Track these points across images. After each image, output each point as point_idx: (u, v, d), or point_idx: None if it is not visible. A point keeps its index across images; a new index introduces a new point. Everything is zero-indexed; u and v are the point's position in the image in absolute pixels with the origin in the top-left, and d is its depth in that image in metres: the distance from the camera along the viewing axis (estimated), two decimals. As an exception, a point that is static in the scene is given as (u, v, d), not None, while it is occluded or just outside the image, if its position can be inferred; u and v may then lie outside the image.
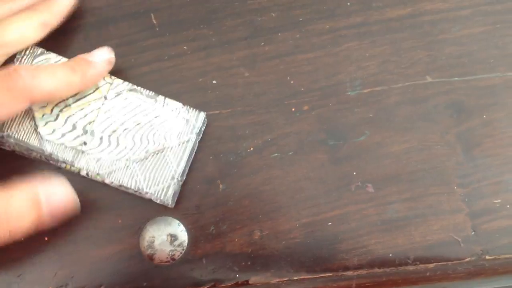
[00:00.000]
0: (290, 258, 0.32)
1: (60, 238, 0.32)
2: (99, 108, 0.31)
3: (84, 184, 0.32)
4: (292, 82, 0.34)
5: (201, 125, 0.32)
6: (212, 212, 0.32)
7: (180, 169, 0.31)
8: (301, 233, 0.32)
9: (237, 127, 0.33)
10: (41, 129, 0.31)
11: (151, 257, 0.31)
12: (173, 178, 0.31)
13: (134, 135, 0.31)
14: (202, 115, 0.32)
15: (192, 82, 0.34)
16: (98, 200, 0.32)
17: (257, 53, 0.34)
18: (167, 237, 0.32)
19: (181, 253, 0.32)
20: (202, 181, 0.33)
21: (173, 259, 0.32)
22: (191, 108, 0.32)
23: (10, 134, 0.30)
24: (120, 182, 0.31)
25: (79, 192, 0.32)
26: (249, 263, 0.32)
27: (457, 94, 0.34)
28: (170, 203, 0.31)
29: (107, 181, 0.31)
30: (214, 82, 0.34)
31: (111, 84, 0.32)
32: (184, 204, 0.32)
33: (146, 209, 0.32)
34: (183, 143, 0.31)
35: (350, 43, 0.34)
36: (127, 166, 0.31)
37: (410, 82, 0.34)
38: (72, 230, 0.32)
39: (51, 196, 0.27)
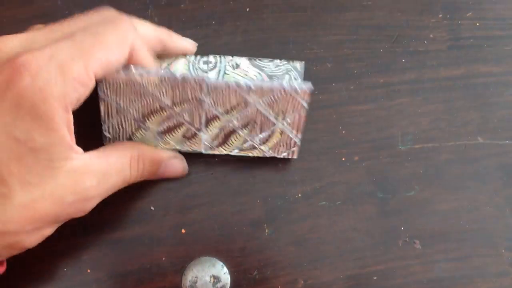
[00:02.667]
0: (332, 311, 0.31)
1: (102, 271, 0.31)
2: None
3: (133, 218, 0.32)
4: (343, 132, 0.34)
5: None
6: (256, 256, 0.32)
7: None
8: (345, 286, 0.32)
9: (286, 172, 0.33)
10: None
11: (192, 298, 0.31)
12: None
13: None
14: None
15: (245, 124, 0.34)
16: (144, 234, 0.32)
17: (311, 101, 0.34)
18: (210, 278, 0.31)
19: (222, 296, 0.31)
20: (248, 224, 0.32)
21: (214, 302, 0.31)
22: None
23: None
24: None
25: (124, 226, 0.32)
26: (290, 312, 0.31)
27: (508, 158, 0.34)
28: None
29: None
30: (267, 126, 0.34)
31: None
32: (228, 246, 0.32)
33: (191, 247, 0.32)
34: None
35: (403, 98, 0.35)
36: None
37: (461, 141, 0.34)
38: (115, 264, 0.31)
39: (169, 162, 0.32)
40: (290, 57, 0.35)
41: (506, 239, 0.33)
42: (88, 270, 0.31)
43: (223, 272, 0.31)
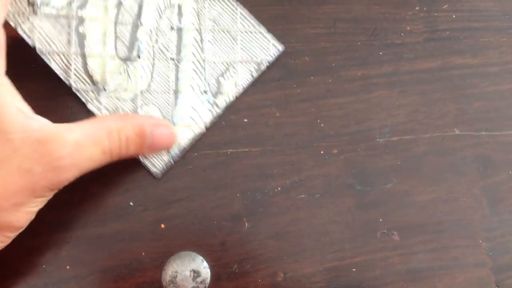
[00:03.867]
0: (312, 303, 0.32)
1: (81, 267, 0.31)
2: None
3: (112, 214, 0.32)
4: (322, 125, 0.34)
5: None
6: (236, 250, 0.32)
7: None
8: (325, 278, 0.32)
9: (265, 166, 0.33)
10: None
11: (172, 293, 0.31)
12: None
13: None
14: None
15: (223, 119, 0.34)
16: (124, 229, 0.32)
17: (289, 95, 0.34)
18: (190, 273, 0.31)
19: (202, 290, 0.31)
20: (228, 218, 0.33)
21: (194, 296, 0.31)
22: None
23: None
24: None
25: (103, 222, 0.32)
26: (270, 305, 0.31)
27: (484, 148, 0.34)
28: None
29: None
30: (245, 120, 0.34)
31: None
32: (208, 240, 0.32)
33: (171, 242, 0.32)
34: None
35: (381, 91, 0.35)
36: None
37: (438, 133, 0.34)
38: (94, 260, 0.31)
39: (155, 131, 0.30)
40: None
41: (484, 229, 0.33)
42: (67, 267, 0.31)
43: (203, 267, 0.32)
